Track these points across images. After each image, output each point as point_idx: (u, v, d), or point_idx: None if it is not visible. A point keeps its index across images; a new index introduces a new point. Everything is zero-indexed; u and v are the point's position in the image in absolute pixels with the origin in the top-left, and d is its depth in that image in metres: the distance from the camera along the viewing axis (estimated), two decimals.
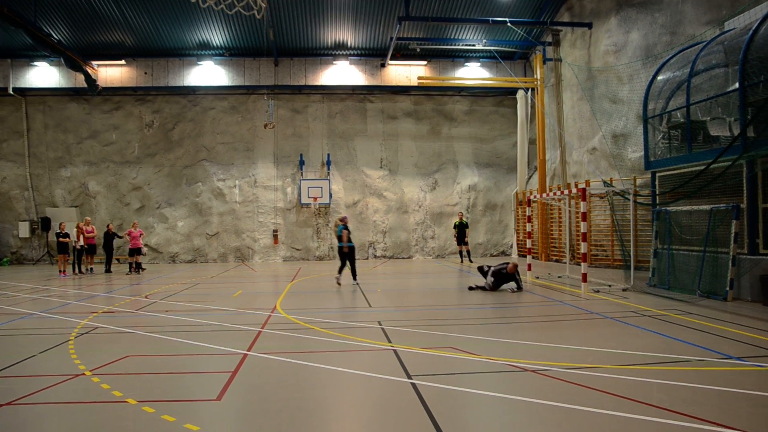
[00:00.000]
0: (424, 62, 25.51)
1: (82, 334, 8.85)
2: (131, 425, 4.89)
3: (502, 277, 13.63)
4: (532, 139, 25.39)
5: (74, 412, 5.28)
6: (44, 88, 25.23)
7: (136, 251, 20.68)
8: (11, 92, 24.91)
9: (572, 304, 11.41)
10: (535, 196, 18.22)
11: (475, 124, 27.26)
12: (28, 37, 20.35)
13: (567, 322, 9.61)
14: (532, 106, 25.12)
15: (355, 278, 15.93)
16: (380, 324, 9.35)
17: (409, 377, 6.12)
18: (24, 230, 25.82)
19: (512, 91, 26.25)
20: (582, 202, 13.28)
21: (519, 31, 23.25)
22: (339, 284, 15.33)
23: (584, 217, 13.31)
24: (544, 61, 23.72)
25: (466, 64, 25.84)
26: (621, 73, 18.67)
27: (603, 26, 20.07)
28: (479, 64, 25.86)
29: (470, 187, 26.98)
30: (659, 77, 14.72)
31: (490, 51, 24.98)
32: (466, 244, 23.14)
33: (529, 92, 25.20)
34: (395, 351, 7.37)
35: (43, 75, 25.01)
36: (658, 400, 5.28)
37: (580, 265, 13.96)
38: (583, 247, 13.26)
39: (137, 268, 20.67)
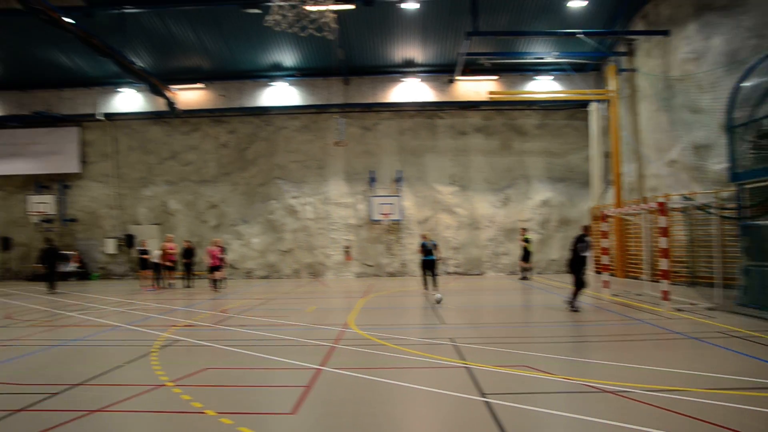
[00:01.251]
0: (494, 77, 25.34)
1: (164, 346, 9.23)
2: None
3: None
4: (606, 152, 24.66)
5: (157, 421, 5.51)
6: (129, 112, 26.77)
7: (215, 269, 20.32)
8: (100, 117, 26.58)
9: (653, 323, 10.94)
10: (611, 211, 17.67)
11: (546, 138, 26.76)
12: (115, 66, 21.67)
13: (648, 342, 9.21)
14: (606, 119, 24.41)
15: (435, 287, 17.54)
16: (452, 341, 9.26)
17: (483, 395, 6.04)
18: (111, 247, 27.36)
19: (585, 104, 25.65)
20: (661, 217, 12.76)
21: (591, 42, 22.75)
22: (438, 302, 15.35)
23: (664, 232, 12.78)
24: (618, 71, 23.07)
25: (537, 77, 25.47)
26: (702, 81, 17.88)
27: (681, 33, 19.33)
28: (550, 77, 25.43)
29: (543, 202, 26.44)
30: (746, 84, 14.00)
31: (561, 63, 24.54)
32: (528, 260, 22.68)
33: (603, 104, 24.52)
34: (468, 368, 7.28)
35: (128, 100, 26.53)
36: (755, 429, 4.97)
37: (659, 282, 13.38)
38: (663, 264, 12.71)
39: (215, 285, 20.36)
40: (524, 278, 22.63)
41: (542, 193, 26.48)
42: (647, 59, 21.42)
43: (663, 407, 5.54)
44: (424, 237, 17.66)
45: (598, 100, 24.52)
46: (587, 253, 13.13)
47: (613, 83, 23.06)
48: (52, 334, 10.75)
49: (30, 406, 5.90)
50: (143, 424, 5.45)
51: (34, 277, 27.13)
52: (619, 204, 22.22)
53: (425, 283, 17.50)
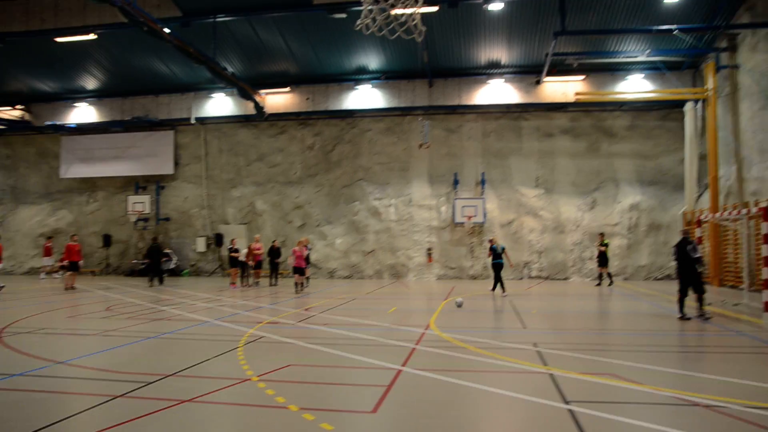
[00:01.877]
0: (582, 77, 24.58)
1: (250, 342, 9.56)
2: (293, 430, 5.19)
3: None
4: (702, 154, 23.35)
5: (242, 414, 5.73)
6: (219, 116, 28.03)
7: (298, 270, 19.55)
8: (193, 121, 27.99)
9: (752, 335, 10.25)
10: (706, 216, 16.72)
11: (637, 140, 25.65)
12: (208, 72, 22.73)
13: (746, 355, 8.65)
14: (703, 119, 23.11)
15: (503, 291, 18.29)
16: (535, 346, 9.07)
17: (566, 403, 5.87)
18: (201, 245, 28.69)
19: (679, 104, 24.36)
20: (764, 223, 11.94)
21: (687, 38, 21.61)
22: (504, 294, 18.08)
23: (766, 239, 11.95)
24: (717, 69, 21.79)
25: (628, 77, 24.46)
26: None
27: None
28: (642, 75, 24.34)
29: (632, 206, 25.35)
30: None
31: (654, 62, 23.41)
32: (606, 265, 21.84)
33: (699, 104, 23.23)
34: (551, 375, 7.10)
35: (219, 105, 27.77)
36: None
37: (760, 292, 12.50)
38: (764, 273, 11.87)
39: (299, 287, 19.48)
40: (599, 284, 21.87)
41: (631, 196, 25.41)
42: (752, 54, 20.08)
43: (763, 425, 5.18)
44: (492, 241, 18.61)
45: (695, 100, 23.27)
46: (698, 254, 12.41)
47: (711, 81, 21.84)
48: (147, 327, 11.40)
49: (127, 393, 6.29)
50: (230, 416, 5.67)
51: (131, 272, 28.91)
52: (715, 209, 21.00)
53: (494, 286, 18.45)
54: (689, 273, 12.34)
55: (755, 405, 5.78)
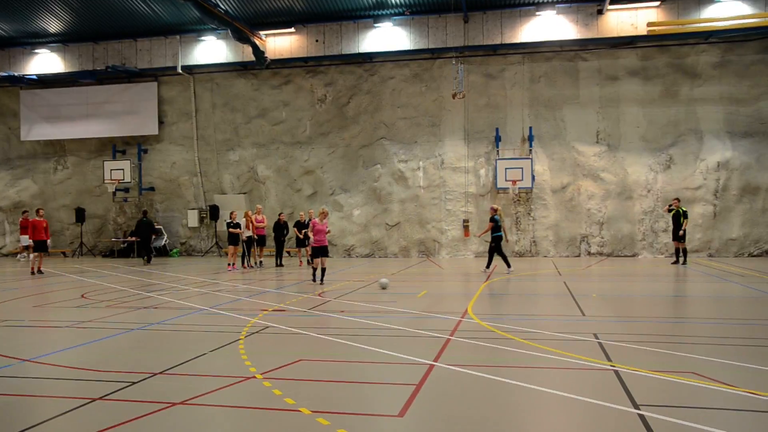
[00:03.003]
0: (657, 2, 23.92)
1: (252, 333, 9.65)
2: None
3: None
4: None
5: (245, 418, 5.79)
6: (211, 64, 28.05)
7: (320, 251, 16.83)
8: (180, 71, 27.99)
9: None
10: None
11: (728, 80, 25.01)
12: (196, 10, 22.66)
13: None
14: None
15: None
16: (596, 337, 9.00)
17: (636, 407, 5.82)
18: (193, 219, 28.98)
19: None
20: None
21: None
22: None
23: None
24: None
25: None
26: None
27: None
28: None
29: (720, 164, 24.88)
30: None
31: None
32: (683, 240, 21.49)
33: None
34: (616, 372, 7.04)
35: (210, 50, 27.76)
36: None
37: None
38: None
39: (317, 277, 17.00)
40: (676, 262, 21.58)
41: (719, 152, 24.92)
42: None
43: None
44: (495, 211, 19.55)
45: None
46: None
47: None
48: (130, 317, 11.57)
49: (107, 395, 6.38)
50: (230, 420, 5.73)
51: (110, 253, 29.37)
52: None
53: (489, 264, 19.70)
54: None
55: None
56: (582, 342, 8.75)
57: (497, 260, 20.16)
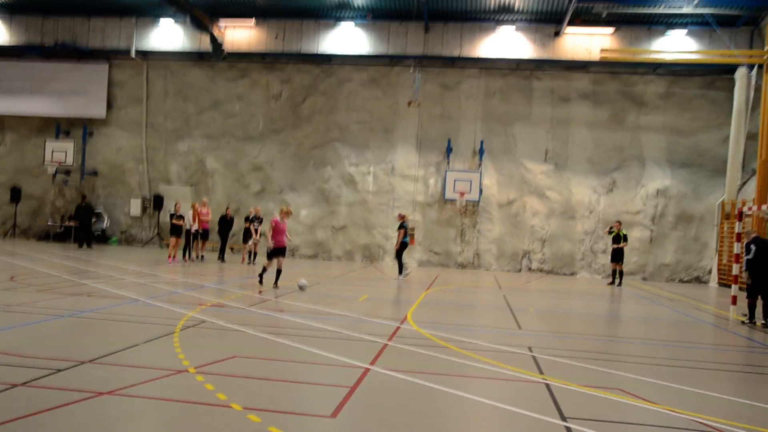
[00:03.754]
0: (610, 30, 24.56)
1: (189, 326, 9.52)
2: None
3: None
4: (751, 132, 23.57)
5: (175, 411, 5.70)
6: (167, 51, 27.55)
7: (279, 252, 15.32)
8: (133, 55, 27.41)
9: None
10: (750, 209, 16.93)
11: (672, 112, 25.81)
12: None
13: None
14: (757, 90, 23.23)
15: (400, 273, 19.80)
16: (531, 350, 9.16)
17: (564, 419, 5.94)
18: (135, 208, 28.39)
19: (729, 69, 24.45)
20: None
21: None
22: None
23: None
24: None
25: (668, 32, 24.51)
26: None
27: None
28: (685, 31, 24.39)
29: (659, 191, 25.61)
30: None
31: (702, 15, 23.36)
32: (620, 262, 22.03)
33: (754, 70, 23.30)
34: (547, 385, 7.18)
35: (166, 36, 27.28)
36: None
37: None
38: None
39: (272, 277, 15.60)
40: (612, 283, 22.07)
41: (659, 180, 25.67)
42: None
43: None
44: (403, 218, 20.26)
45: (749, 65, 23.34)
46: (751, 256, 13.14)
47: None
48: (61, 302, 11.28)
49: (31, 381, 6.20)
50: (159, 413, 5.64)
51: (46, 236, 28.57)
52: (762, 200, 21.27)
53: (401, 270, 19.88)
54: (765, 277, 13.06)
55: None
56: (516, 354, 8.89)
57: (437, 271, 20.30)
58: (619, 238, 21.80)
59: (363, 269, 23.04)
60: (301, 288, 14.50)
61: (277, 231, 15.05)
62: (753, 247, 13.25)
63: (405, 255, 20.61)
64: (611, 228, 22.38)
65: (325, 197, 27.35)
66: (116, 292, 12.89)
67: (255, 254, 22.67)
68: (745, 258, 13.31)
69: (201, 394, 6.10)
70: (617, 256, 21.88)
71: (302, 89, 27.77)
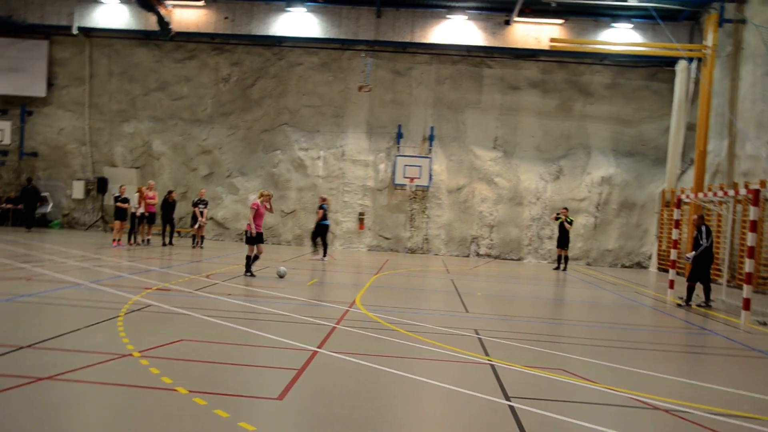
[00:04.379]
0: (560, 21, 24.86)
1: (133, 311, 9.38)
2: (180, 416, 5.15)
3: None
4: (691, 124, 24.21)
5: (118, 395, 5.63)
6: (112, 29, 26.73)
7: (257, 239, 14.73)
8: (75, 32, 26.56)
9: (726, 335, 10.85)
10: (688, 197, 17.42)
11: (617, 102, 26.35)
12: None
13: (717, 357, 9.19)
14: (696, 82, 23.87)
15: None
16: (477, 333, 9.31)
17: (507, 398, 6.06)
18: (78, 191, 27.64)
19: (671, 61, 25.04)
20: (752, 208, 12.54)
21: None
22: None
23: (753, 226, 12.57)
24: (721, 23, 22.37)
25: (614, 24, 24.92)
26: None
27: None
28: (630, 25, 24.85)
29: (604, 179, 26.16)
30: None
31: (646, 9, 23.75)
32: (566, 247, 22.53)
33: (694, 63, 23.93)
34: (492, 366, 7.31)
35: (112, 14, 26.44)
36: None
37: (741, 287, 13.24)
38: (747, 266, 12.53)
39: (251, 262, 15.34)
40: (558, 268, 22.47)
41: (604, 168, 26.20)
42: (763, 7, 20.58)
43: None
44: (324, 200, 20.65)
45: (689, 58, 23.93)
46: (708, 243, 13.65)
47: (711, 37, 22.41)
48: None
49: None
50: (101, 397, 5.56)
51: None
52: (699, 188, 21.90)
53: (316, 249, 20.62)
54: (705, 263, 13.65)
55: (723, 412, 6.12)
56: (463, 337, 9.02)
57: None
58: (568, 223, 22.25)
59: (312, 254, 22.98)
60: (281, 275, 14.39)
61: (258, 215, 14.61)
62: (704, 228, 13.82)
63: (329, 237, 21.44)
64: (558, 214, 22.75)
65: (275, 181, 27.13)
66: (58, 276, 12.61)
67: (203, 238, 22.46)
68: (702, 244, 13.65)
69: (146, 378, 6.04)
70: (563, 241, 22.34)
71: (252, 72, 27.42)
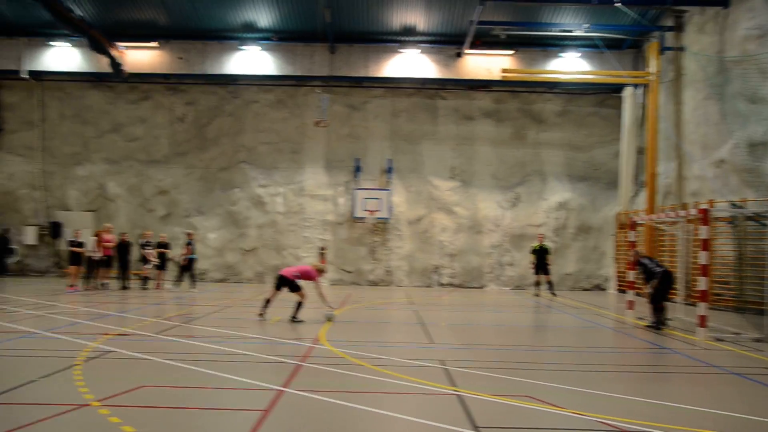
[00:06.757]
0: (510, 52, 25.37)
1: (92, 358, 9.14)
2: None
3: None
4: (640, 147, 24.81)
5: None
6: (63, 72, 26.34)
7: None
8: (25, 76, 26.16)
9: (685, 353, 11.01)
10: (641, 218, 17.74)
11: (569, 128, 26.90)
12: (46, 12, 21.34)
13: (677, 375, 9.32)
14: (643, 107, 24.53)
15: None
16: (443, 364, 9.29)
17: (475, 428, 6.04)
18: (31, 236, 26.99)
19: (618, 88, 25.75)
20: (702, 227, 12.85)
21: (631, 13, 22.79)
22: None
23: (705, 245, 12.86)
24: (662, 50, 23.14)
25: (561, 54, 25.54)
26: (765, 65, 17.94)
27: (744, 4, 19.28)
28: (578, 54, 25.49)
29: (560, 204, 26.57)
30: None
31: (592, 38, 24.45)
32: (548, 273, 22.70)
33: (640, 90, 24.63)
34: (459, 396, 7.29)
35: (62, 57, 26.12)
36: None
37: (696, 305, 13.48)
38: (701, 284, 12.79)
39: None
40: (538, 295, 22.60)
41: (559, 193, 26.63)
42: (699, 36, 21.41)
43: None
44: (190, 235, 22.85)
45: (635, 85, 24.64)
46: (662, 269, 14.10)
47: (654, 64, 23.13)
48: None
49: None
50: None
51: None
52: (651, 210, 22.37)
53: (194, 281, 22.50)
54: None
55: (686, 430, 6.19)
56: (429, 368, 8.99)
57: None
58: (543, 251, 22.45)
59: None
60: (329, 319, 14.19)
61: (306, 277, 14.64)
62: (646, 261, 14.32)
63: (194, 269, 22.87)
64: (534, 247, 22.87)
65: (234, 220, 26.91)
66: (11, 326, 12.22)
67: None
68: (656, 271, 13.95)
69: (105, 429, 5.88)
70: (544, 268, 22.54)
71: (208, 111, 27.31)
